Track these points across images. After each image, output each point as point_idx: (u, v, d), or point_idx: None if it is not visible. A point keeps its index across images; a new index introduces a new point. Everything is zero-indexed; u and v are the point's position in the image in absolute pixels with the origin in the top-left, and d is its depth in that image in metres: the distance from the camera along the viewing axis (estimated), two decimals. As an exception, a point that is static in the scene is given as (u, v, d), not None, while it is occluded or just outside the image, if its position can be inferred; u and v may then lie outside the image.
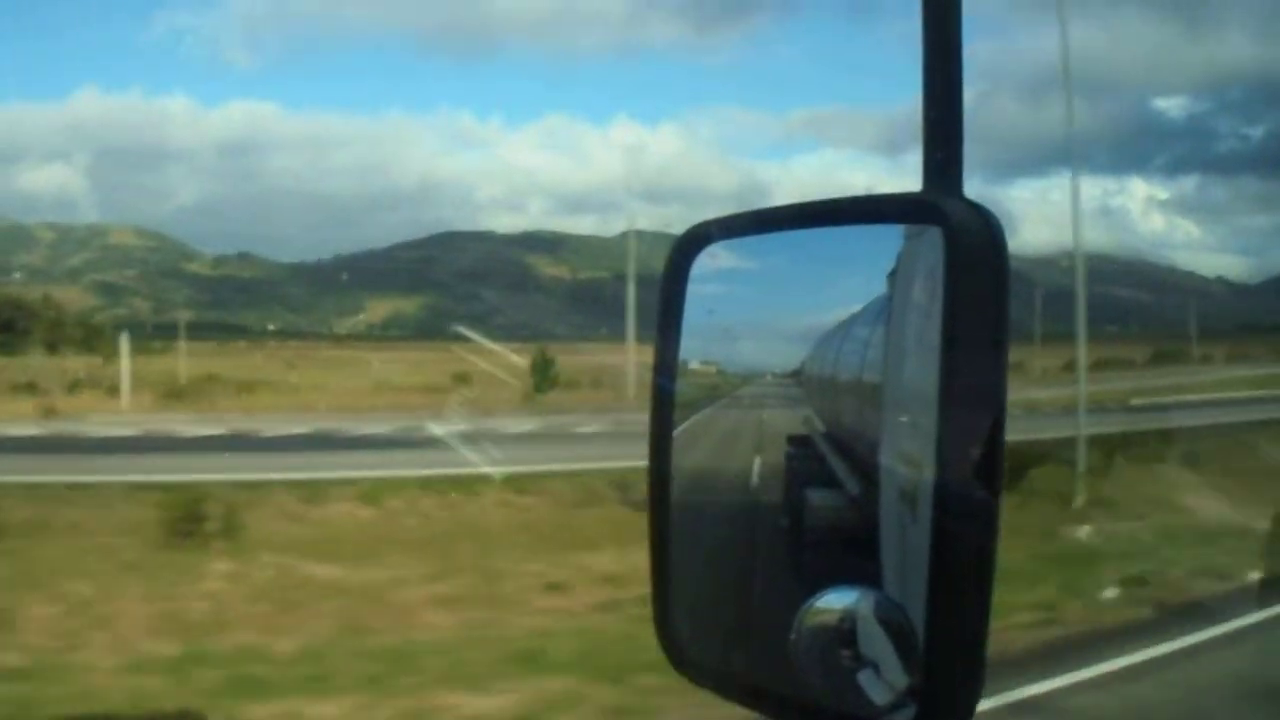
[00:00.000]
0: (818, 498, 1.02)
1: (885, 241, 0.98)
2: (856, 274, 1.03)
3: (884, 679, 0.90)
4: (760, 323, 1.11)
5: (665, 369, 1.12)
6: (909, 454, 0.91)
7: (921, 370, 0.89)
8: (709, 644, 1.11)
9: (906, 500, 0.90)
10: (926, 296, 0.91)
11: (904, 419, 0.93)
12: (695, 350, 1.13)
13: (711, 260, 1.11)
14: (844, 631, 0.92)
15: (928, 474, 0.86)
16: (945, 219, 0.90)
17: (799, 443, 1.06)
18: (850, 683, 0.91)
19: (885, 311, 0.99)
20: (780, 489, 1.06)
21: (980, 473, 0.84)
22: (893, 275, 0.99)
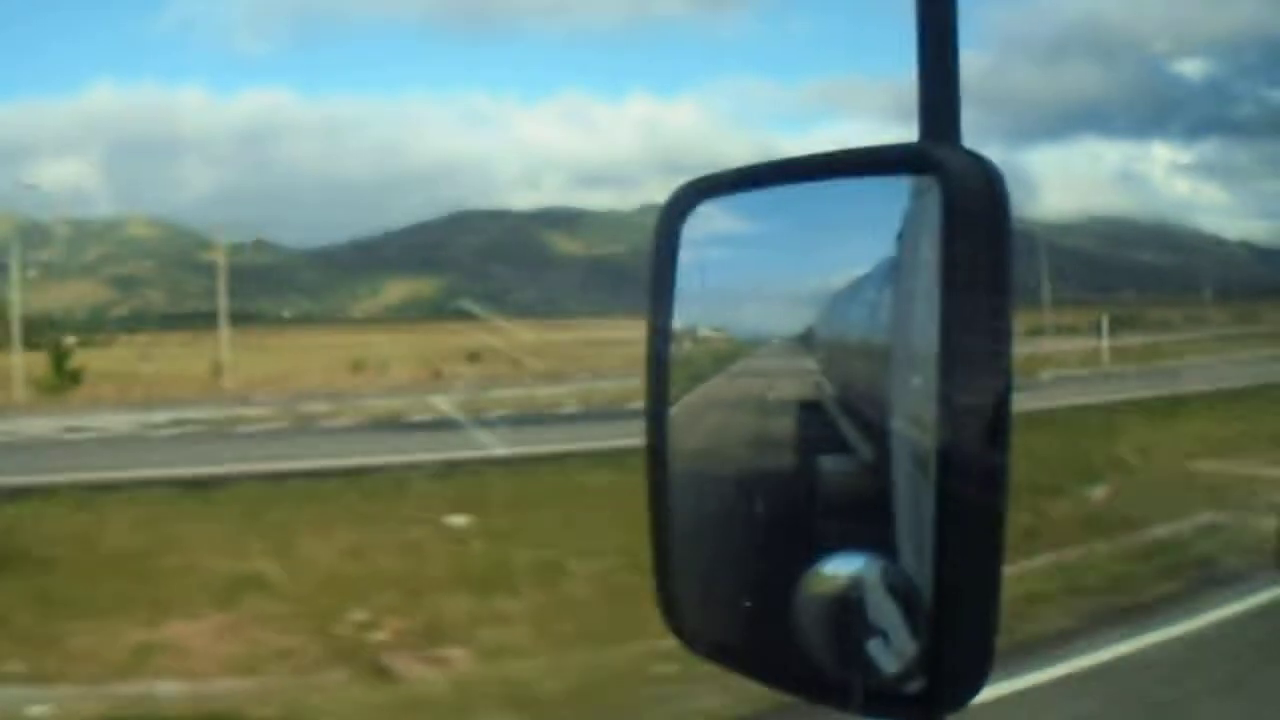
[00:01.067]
0: (829, 464, 0.99)
1: (892, 200, 0.95)
2: (864, 234, 1.00)
3: (892, 648, 0.88)
4: (766, 286, 1.08)
5: (660, 335, 1.10)
6: (920, 417, 0.89)
7: (929, 331, 0.86)
8: (712, 615, 1.09)
9: (919, 465, 0.88)
10: (932, 255, 0.88)
11: (914, 381, 0.91)
12: (700, 316, 1.11)
13: (708, 221, 1.09)
14: (850, 599, 0.90)
15: (937, 437, 0.84)
16: (941, 167, 0.87)
17: (809, 408, 1.03)
18: (857, 652, 0.89)
19: (893, 272, 0.96)
20: (790, 455, 1.04)
21: (986, 433, 0.82)
22: (900, 234, 0.96)
